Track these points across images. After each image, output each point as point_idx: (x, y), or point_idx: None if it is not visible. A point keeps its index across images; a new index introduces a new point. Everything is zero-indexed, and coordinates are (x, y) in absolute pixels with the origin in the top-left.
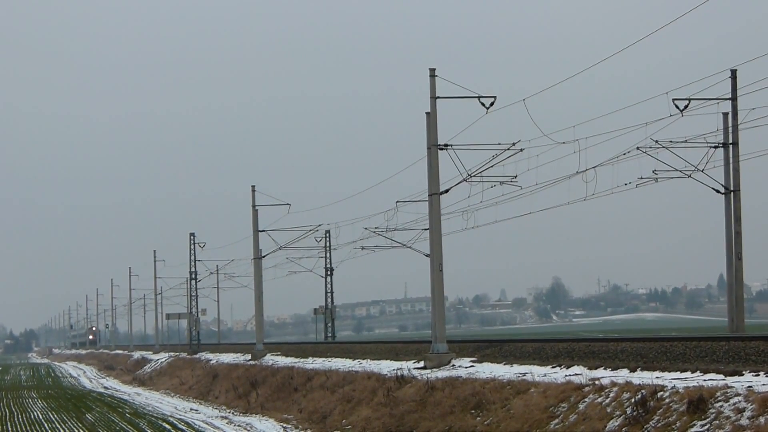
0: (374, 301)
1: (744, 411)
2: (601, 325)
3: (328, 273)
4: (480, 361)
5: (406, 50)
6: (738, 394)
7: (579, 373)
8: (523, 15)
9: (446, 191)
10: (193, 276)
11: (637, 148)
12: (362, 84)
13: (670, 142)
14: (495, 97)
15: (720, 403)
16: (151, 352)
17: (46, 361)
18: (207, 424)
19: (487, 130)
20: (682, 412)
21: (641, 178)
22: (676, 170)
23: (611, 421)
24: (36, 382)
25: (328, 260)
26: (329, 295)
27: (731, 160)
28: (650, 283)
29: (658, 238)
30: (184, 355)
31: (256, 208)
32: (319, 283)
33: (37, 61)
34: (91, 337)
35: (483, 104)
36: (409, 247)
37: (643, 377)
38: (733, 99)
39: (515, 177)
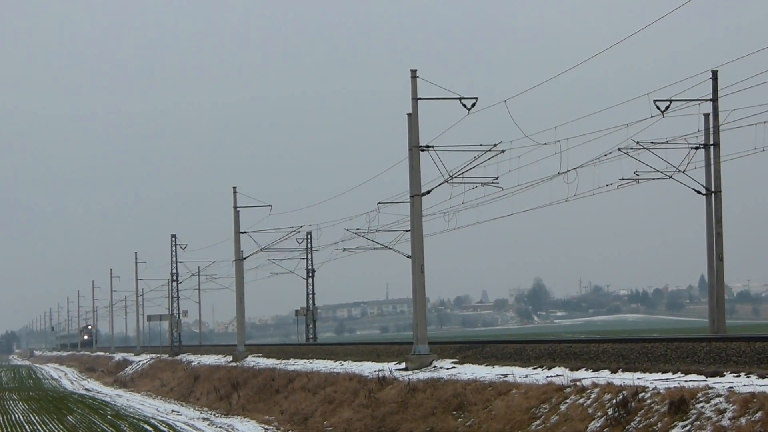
0: (356, 302)
1: (725, 412)
2: (582, 326)
3: (310, 274)
4: (461, 363)
5: (387, 51)
6: (719, 395)
7: (560, 374)
8: (504, 16)
9: (428, 192)
10: (175, 277)
11: (619, 149)
12: (343, 84)
13: (652, 143)
14: (476, 98)
15: (701, 404)
16: (132, 354)
17: (27, 362)
18: (188, 425)
19: (468, 131)
20: (663, 413)
21: (622, 179)
22: (658, 171)
23: (592, 422)
24: (17, 383)
25: (309, 262)
26: (311, 296)
27: (712, 161)
28: (631, 284)
29: (639, 239)
30: (165, 356)
31: (238, 209)
32: (300, 284)
33: (19, 60)
34: (86, 336)
35: (464, 105)
36: (391, 249)
37: (625, 378)
38: (714, 100)
39: (497, 178)
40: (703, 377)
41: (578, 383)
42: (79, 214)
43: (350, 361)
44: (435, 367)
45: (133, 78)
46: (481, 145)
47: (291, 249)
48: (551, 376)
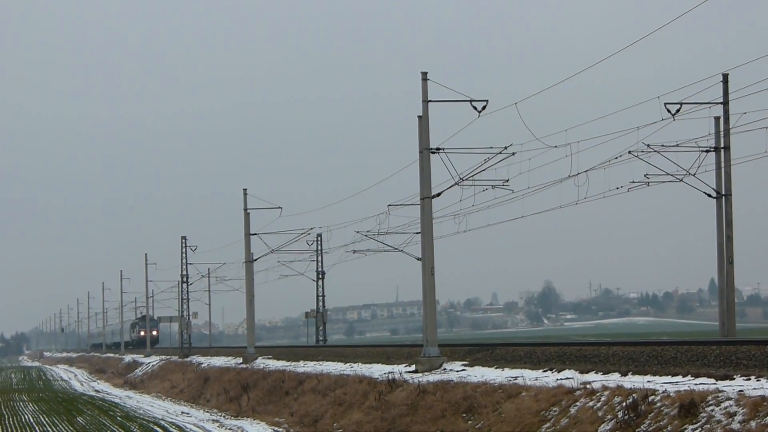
0: (366, 304)
1: (735, 415)
2: (592, 329)
3: (320, 276)
4: (471, 365)
5: (398, 53)
6: (729, 399)
7: (570, 377)
8: (515, 19)
9: (438, 195)
10: (185, 279)
11: (629, 152)
12: (354, 87)
13: (662, 146)
14: (487, 100)
15: (711, 408)
16: (142, 356)
17: (37, 364)
18: (198, 427)
19: (479, 133)
20: (673, 416)
21: (633, 182)
22: (668, 174)
23: (602, 425)
24: (27, 385)
25: (319, 264)
26: (321, 298)
27: (723, 165)
28: (642, 287)
29: (649, 242)
30: (175, 358)
31: (248, 211)
32: (310, 286)
33: (28, 61)
34: (153, 332)
35: (475, 108)
36: (401, 251)
37: (635, 381)
38: (725, 103)
39: (507, 181)
40: (713, 380)
41: (588, 386)
42: (89, 216)
43: (360, 364)
44: (445, 369)
45: (143, 81)
46: (491, 147)
47: (301, 251)
48: (561, 379)
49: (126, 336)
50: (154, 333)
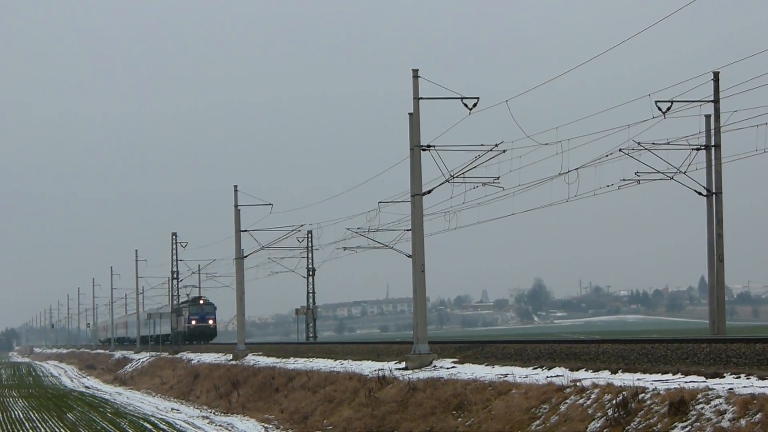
0: (356, 301)
1: (725, 413)
2: (582, 326)
3: (310, 273)
4: (461, 362)
5: (389, 51)
6: (719, 396)
7: (560, 375)
8: (506, 16)
9: (429, 192)
10: (175, 275)
11: (620, 150)
12: (345, 84)
13: (653, 144)
14: (478, 98)
15: (701, 405)
16: (132, 352)
17: (26, 359)
18: (188, 423)
19: (469, 131)
20: (663, 413)
21: (623, 179)
22: (659, 172)
23: (592, 423)
24: (17, 381)
25: (310, 260)
26: (311, 295)
27: (713, 163)
28: (632, 285)
29: (640, 240)
30: (165, 354)
31: (239, 207)
32: (300, 283)
33: (23, 59)
34: (209, 322)
35: (466, 105)
36: (391, 248)
37: (625, 379)
38: (716, 101)
39: (498, 178)
40: (703, 378)
41: (578, 384)
42: (80, 212)
43: (350, 360)
44: (435, 366)
45: (135, 77)
46: (482, 144)
47: (292, 248)
48: (551, 377)
49: (165, 326)
50: (210, 323)
